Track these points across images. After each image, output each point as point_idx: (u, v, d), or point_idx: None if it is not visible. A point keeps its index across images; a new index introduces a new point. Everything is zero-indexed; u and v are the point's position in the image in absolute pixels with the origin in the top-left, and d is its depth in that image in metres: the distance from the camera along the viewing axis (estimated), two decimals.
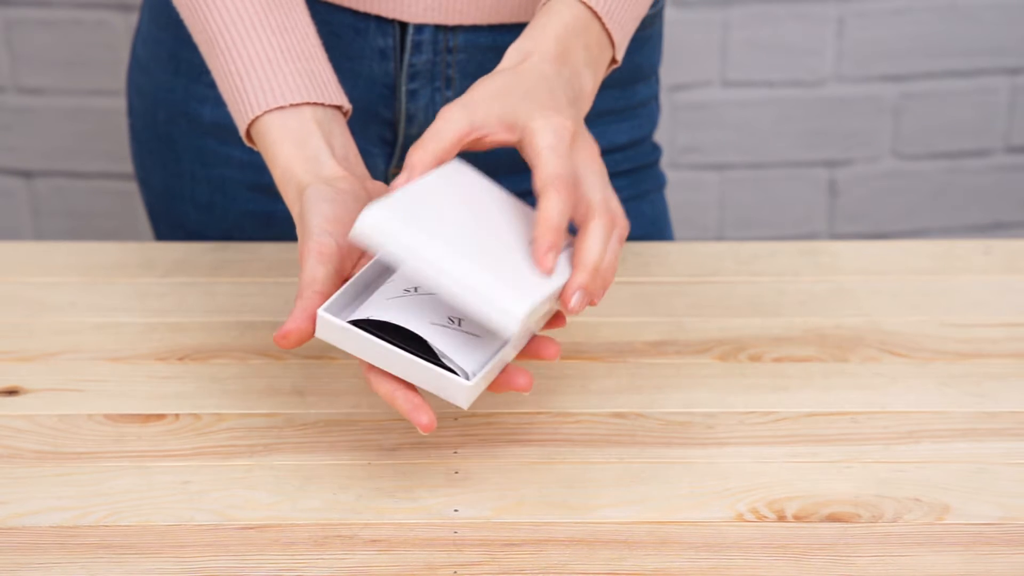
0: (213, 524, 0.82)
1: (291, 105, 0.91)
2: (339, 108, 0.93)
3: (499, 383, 0.83)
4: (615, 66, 0.95)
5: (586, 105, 0.90)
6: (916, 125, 2.04)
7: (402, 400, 0.81)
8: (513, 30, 1.08)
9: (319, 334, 0.82)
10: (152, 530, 0.82)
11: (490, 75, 0.88)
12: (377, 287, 0.86)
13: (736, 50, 1.97)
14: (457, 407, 0.84)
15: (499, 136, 0.86)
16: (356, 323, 0.81)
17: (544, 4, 0.93)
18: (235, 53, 0.92)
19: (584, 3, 0.92)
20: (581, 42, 0.92)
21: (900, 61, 2.00)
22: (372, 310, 0.82)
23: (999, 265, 1.14)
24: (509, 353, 0.83)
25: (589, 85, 0.91)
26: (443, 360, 0.80)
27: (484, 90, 0.87)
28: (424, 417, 0.80)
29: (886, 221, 2.09)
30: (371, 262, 0.86)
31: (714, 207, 2.07)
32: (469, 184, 0.87)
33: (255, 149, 0.94)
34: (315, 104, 0.91)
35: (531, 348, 0.85)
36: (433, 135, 0.84)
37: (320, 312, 0.81)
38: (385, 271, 0.87)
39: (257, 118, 0.91)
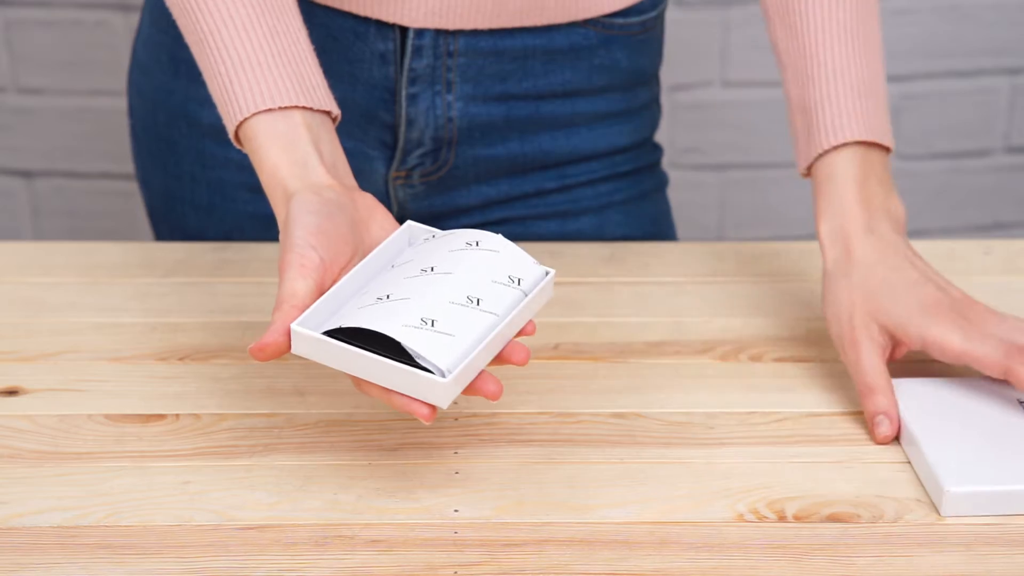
0: (213, 524, 0.82)
1: (280, 108, 0.90)
2: (328, 114, 0.92)
3: (470, 387, 0.82)
4: (890, 152, 0.99)
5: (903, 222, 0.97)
6: (916, 125, 2.04)
7: (397, 396, 0.81)
8: (513, 34, 1.08)
9: (295, 349, 0.81)
10: (152, 530, 0.82)
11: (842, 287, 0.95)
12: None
13: (736, 50, 1.97)
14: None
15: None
16: (329, 333, 0.81)
17: (822, 159, 0.97)
18: (225, 54, 0.91)
19: (860, 142, 0.96)
20: (874, 176, 0.97)
21: (900, 61, 2.00)
22: (344, 319, 0.82)
23: (999, 265, 1.14)
24: (484, 356, 0.82)
25: (896, 204, 0.98)
26: (419, 360, 0.80)
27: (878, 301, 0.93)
28: (423, 407, 0.80)
29: None
30: (347, 275, 0.85)
31: (714, 207, 2.07)
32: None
33: (243, 151, 0.93)
34: (305, 108, 0.90)
35: (501, 353, 0.84)
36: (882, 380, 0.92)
37: (293, 327, 0.81)
38: (363, 285, 0.86)
39: (246, 120, 0.90)
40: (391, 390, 0.81)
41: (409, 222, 0.90)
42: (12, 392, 0.95)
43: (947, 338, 0.90)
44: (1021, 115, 2.05)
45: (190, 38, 0.94)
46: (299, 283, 0.83)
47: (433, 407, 0.80)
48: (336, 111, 0.92)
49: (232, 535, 0.82)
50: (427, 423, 0.81)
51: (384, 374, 0.80)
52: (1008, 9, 1.99)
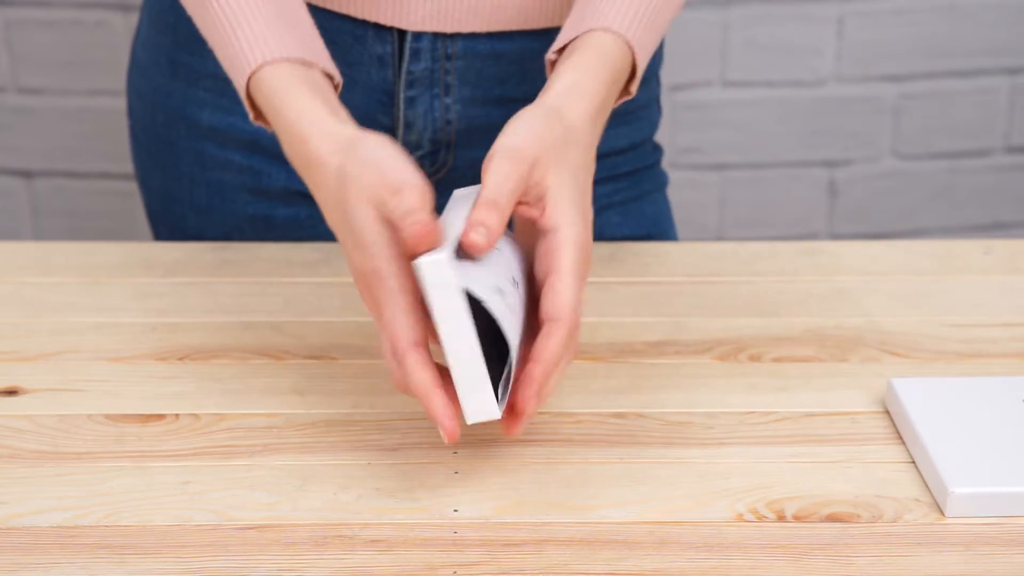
0: (213, 524, 0.82)
1: (298, 60, 0.89)
2: (331, 79, 0.92)
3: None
4: (628, 97, 0.95)
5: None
6: (916, 125, 2.04)
7: (438, 399, 0.79)
8: (512, 37, 1.08)
9: (427, 280, 0.77)
10: (152, 530, 0.82)
11: (546, 121, 0.85)
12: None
13: (736, 50, 1.97)
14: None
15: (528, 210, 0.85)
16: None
17: (589, 33, 0.91)
18: (228, 11, 0.91)
19: (627, 42, 0.91)
20: (617, 88, 0.92)
21: (900, 61, 2.00)
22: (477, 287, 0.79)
23: (999, 265, 1.14)
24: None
25: (603, 127, 0.91)
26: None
27: (533, 145, 0.84)
28: (452, 424, 0.79)
29: (886, 221, 2.09)
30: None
31: (714, 207, 2.07)
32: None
33: (253, 114, 0.91)
34: (315, 67, 0.90)
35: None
36: (504, 198, 0.82)
37: (438, 259, 0.77)
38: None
39: (264, 65, 0.88)
40: (434, 390, 0.79)
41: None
42: (12, 392, 0.95)
43: (567, 247, 0.83)
44: (1021, 115, 2.05)
45: (195, 9, 0.94)
46: (420, 194, 0.80)
47: (458, 429, 0.80)
48: (339, 78, 0.92)
49: (232, 535, 0.82)
50: (447, 441, 0.80)
51: (465, 357, 0.78)
52: (1008, 9, 1.99)
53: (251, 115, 0.92)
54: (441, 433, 0.80)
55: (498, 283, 0.81)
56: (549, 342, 0.81)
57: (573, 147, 0.86)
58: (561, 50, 0.93)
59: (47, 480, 0.86)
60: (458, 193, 0.90)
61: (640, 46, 0.93)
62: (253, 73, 0.89)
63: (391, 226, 0.82)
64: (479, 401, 0.79)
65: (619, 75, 0.92)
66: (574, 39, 0.92)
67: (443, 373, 0.81)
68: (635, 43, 0.92)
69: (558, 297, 0.82)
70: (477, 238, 0.80)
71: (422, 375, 0.80)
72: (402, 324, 0.81)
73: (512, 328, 0.80)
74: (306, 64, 0.90)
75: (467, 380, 0.79)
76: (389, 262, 0.81)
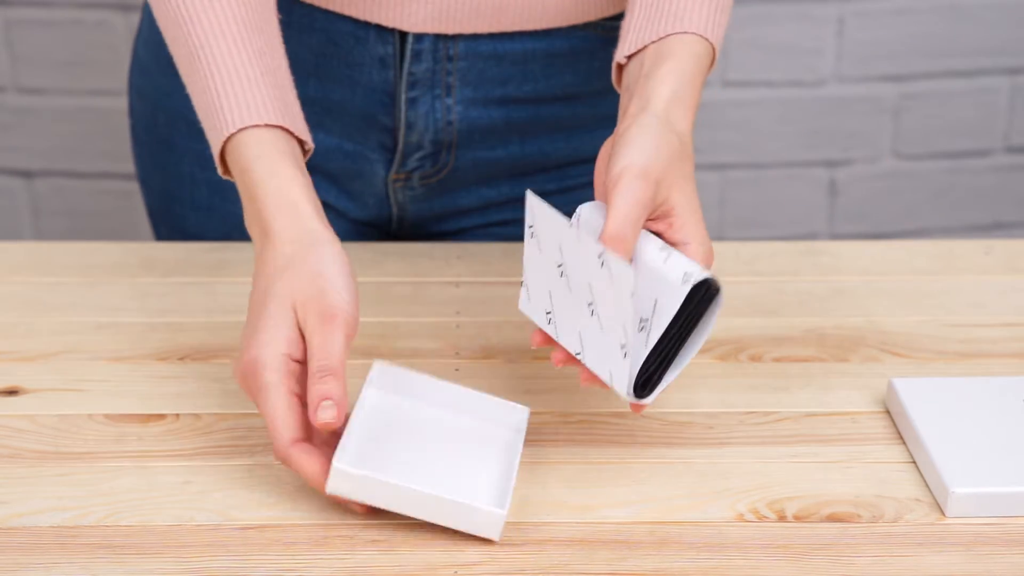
0: (213, 524, 0.82)
1: (274, 126, 0.89)
2: (303, 145, 0.92)
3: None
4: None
5: None
6: (916, 125, 2.04)
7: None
8: (513, 38, 1.08)
9: (331, 489, 0.81)
10: (152, 530, 0.82)
11: (663, 135, 0.86)
12: (383, 436, 0.87)
13: (736, 50, 1.97)
14: None
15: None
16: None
17: (683, 37, 0.91)
18: (215, 68, 0.90)
19: (712, 45, 0.92)
20: (702, 81, 0.92)
21: (900, 61, 2.00)
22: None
23: (999, 265, 1.14)
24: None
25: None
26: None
27: (658, 162, 0.85)
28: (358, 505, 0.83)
29: (886, 221, 2.09)
30: (356, 414, 0.86)
31: (714, 207, 2.07)
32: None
33: (222, 169, 0.91)
34: (291, 134, 0.90)
35: None
36: (623, 220, 0.83)
37: (337, 465, 0.80)
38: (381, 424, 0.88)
39: (243, 130, 0.88)
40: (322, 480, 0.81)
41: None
42: (12, 392, 0.95)
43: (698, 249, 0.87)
44: (1021, 115, 2.05)
45: (179, 51, 0.93)
46: (343, 346, 0.83)
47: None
48: (310, 144, 0.92)
49: (232, 535, 0.82)
50: (360, 511, 0.83)
51: (435, 509, 0.80)
52: (1008, 9, 1.99)
53: (220, 170, 0.91)
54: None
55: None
56: None
57: (688, 160, 0.88)
58: (631, 55, 0.93)
59: (47, 480, 0.86)
60: (585, 210, 0.89)
61: (718, 43, 0.94)
62: (231, 136, 0.89)
63: (297, 334, 0.83)
64: (485, 520, 0.81)
65: (706, 73, 0.93)
66: (657, 41, 0.92)
67: (329, 443, 0.83)
68: (717, 43, 0.93)
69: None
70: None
71: (311, 469, 0.81)
72: (282, 422, 0.82)
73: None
74: (283, 131, 0.89)
75: (459, 517, 0.81)
76: (275, 357, 0.83)
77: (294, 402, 0.83)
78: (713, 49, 0.93)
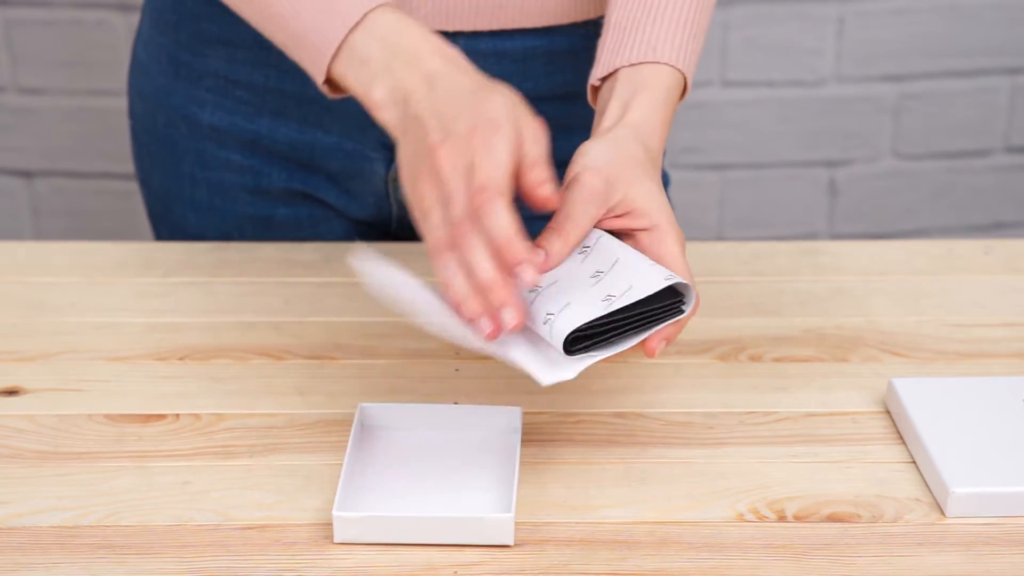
0: (213, 524, 0.82)
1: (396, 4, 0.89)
2: None
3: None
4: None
5: None
6: (916, 125, 2.04)
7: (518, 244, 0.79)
8: (513, 36, 1.08)
9: (338, 539, 0.81)
10: (152, 530, 0.82)
11: (616, 150, 0.88)
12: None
13: (736, 50, 1.97)
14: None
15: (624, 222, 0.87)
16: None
17: (648, 69, 0.93)
18: None
19: (683, 74, 0.94)
20: (672, 113, 0.94)
21: (900, 61, 2.00)
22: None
23: (999, 265, 1.14)
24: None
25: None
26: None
27: (618, 168, 0.86)
28: (540, 256, 0.81)
29: (886, 221, 2.09)
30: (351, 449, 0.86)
31: (714, 207, 2.07)
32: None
33: (327, 90, 0.90)
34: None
35: None
36: (573, 222, 0.84)
37: (337, 514, 0.81)
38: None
39: (374, 10, 0.87)
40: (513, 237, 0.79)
41: None
42: (12, 392, 0.95)
43: (673, 240, 0.87)
44: (1021, 115, 2.05)
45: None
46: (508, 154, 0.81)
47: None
48: None
49: (232, 535, 0.82)
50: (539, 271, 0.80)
51: (445, 530, 0.80)
52: (1008, 9, 1.99)
53: (325, 90, 0.90)
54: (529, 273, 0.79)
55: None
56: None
57: (653, 169, 0.89)
58: (606, 76, 0.95)
59: (47, 480, 0.86)
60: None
61: (690, 73, 0.95)
62: (361, 19, 0.87)
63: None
64: (493, 528, 0.81)
65: (676, 104, 0.95)
66: (629, 67, 0.93)
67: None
68: (688, 72, 0.94)
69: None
70: (527, 276, 0.80)
71: (505, 216, 0.79)
72: (503, 169, 0.80)
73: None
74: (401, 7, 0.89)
75: (468, 533, 0.81)
76: (510, 115, 0.81)
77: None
78: (684, 79, 0.94)
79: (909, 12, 1.97)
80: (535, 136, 0.83)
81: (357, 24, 0.88)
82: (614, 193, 0.86)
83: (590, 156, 0.88)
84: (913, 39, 1.99)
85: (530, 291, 0.84)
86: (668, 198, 1.24)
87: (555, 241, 0.83)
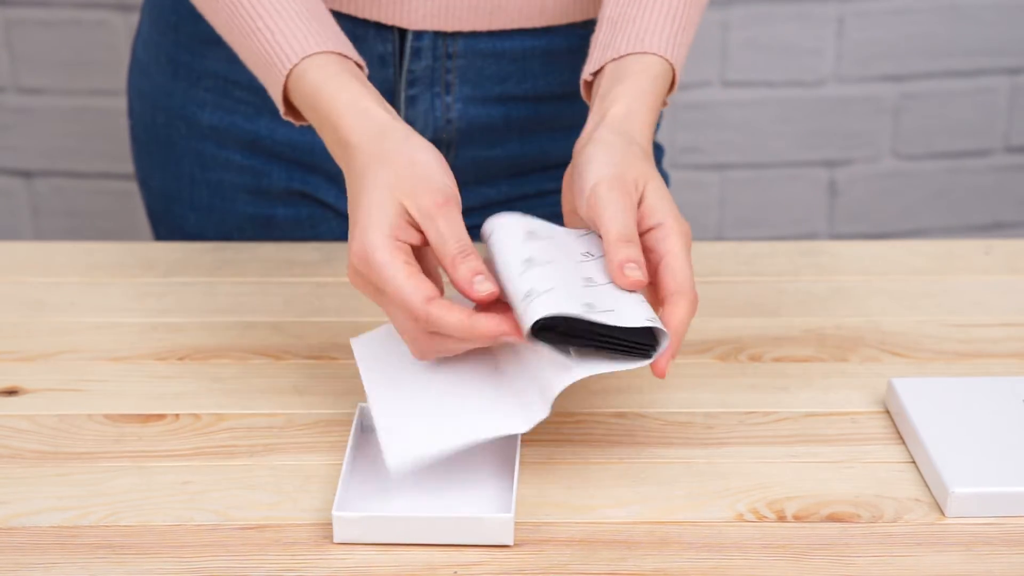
0: (213, 524, 0.82)
1: (338, 53, 0.90)
2: (361, 69, 0.93)
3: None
4: (663, 108, 0.96)
5: None
6: (916, 125, 2.04)
7: (483, 321, 0.80)
8: (512, 36, 1.08)
9: (338, 538, 0.81)
10: (152, 530, 0.82)
11: (612, 148, 0.88)
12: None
13: (736, 50, 1.97)
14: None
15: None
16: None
17: (635, 60, 0.93)
18: (260, 10, 0.92)
19: (671, 64, 0.94)
20: (662, 105, 0.94)
21: (900, 61, 2.00)
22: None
23: (999, 265, 1.14)
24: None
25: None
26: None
27: (629, 168, 0.86)
28: (512, 328, 0.81)
29: (886, 221, 2.09)
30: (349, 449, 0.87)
31: (714, 207, 2.07)
32: None
33: (284, 109, 0.92)
34: (346, 58, 0.91)
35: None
36: (627, 232, 0.84)
37: (337, 514, 0.80)
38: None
39: (304, 59, 0.89)
40: (474, 323, 0.80)
41: None
42: (12, 392, 0.95)
43: (675, 236, 0.86)
44: (1021, 115, 2.05)
45: (216, 5, 0.94)
46: (463, 225, 0.83)
47: (520, 331, 0.80)
48: (366, 70, 0.93)
49: (232, 535, 0.82)
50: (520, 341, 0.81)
51: (445, 530, 0.80)
52: (1008, 9, 1.99)
53: (282, 110, 0.92)
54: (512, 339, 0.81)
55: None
56: (678, 311, 0.83)
57: (650, 163, 0.89)
58: (596, 71, 0.95)
59: (47, 480, 0.86)
60: (499, 221, 0.90)
61: (679, 64, 0.95)
62: (295, 66, 0.90)
63: (403, 220, 0.82)
64: (492, 528, 0.81)
65: (664, 94, 0.94)
66: (616, 60, 0.93)
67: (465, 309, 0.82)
68: (676, 63, 0.94)
69: (679, 275, 0.84)
70: (634, 274, 0.82)
71: (452, 317, 0.80)
72: (410, 287, 0.81)
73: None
74: (343, 57, 0.91)
75: (468, 533, 0.81)
76: (382, 238, 0.82)
77: (414, 270, 0.81)
78: (673, 69, 0.94)
79: (909, 12, 1.97)
80: (441, 201, 0.83)
81: (293, 68, 0.90)
82: (636, 194, 0.86)
83: (599, 167, 0.87)
84: (913, 39, 1.99)
85: (523, 261, 0.83)
86: None
87: (637, 251, 0.83)
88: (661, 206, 0.86)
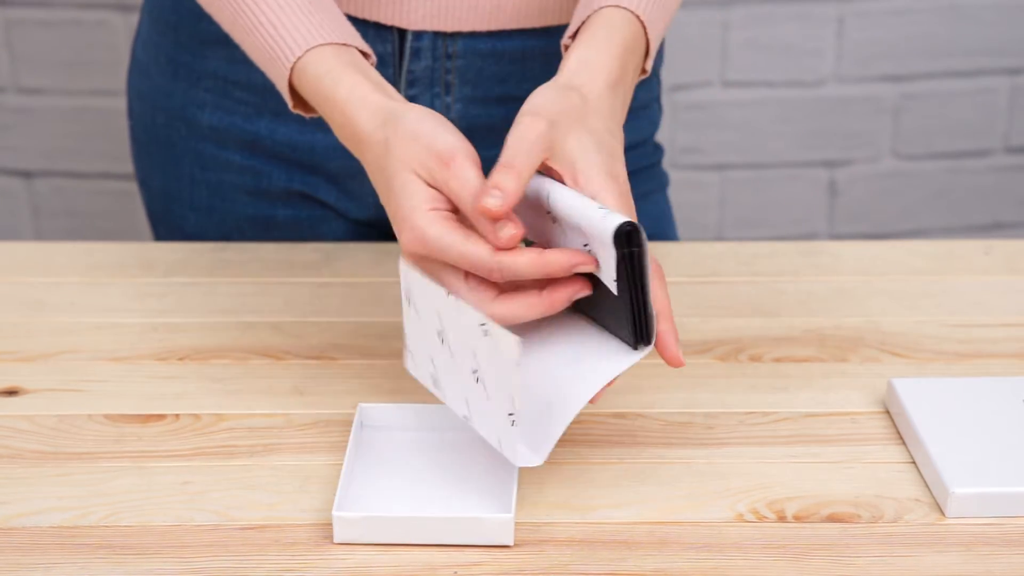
0: (213, 524, 0.82)
1: (340, 44, 0.90)
2: (368, 58, 0.92)
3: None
4: (644, 76, 0.94)
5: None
6: (916, 125, 2.04)
7: (558, 255, 0.79)
8: (512, 36, 1.08)
9: (338, 539, 0.81)
10: (152, 530, 0.82)
11: (561, 92, 0.86)
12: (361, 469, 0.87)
13: (736, 50, 1.97)
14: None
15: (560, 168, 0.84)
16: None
17: (598, 11, 0.91)
18: (263, 5, 0.91)
19: (636, 16, 0.91)
20: (634, 62, 0.91)
21: (900, 61, 2.00)
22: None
23: (999, 265, 1.14)
24: None
25: (628, 103, 0.91)
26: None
27: (549, 106, 0.84)
28: (587, 258, 0.79)
29: (886, 221, 2.09)
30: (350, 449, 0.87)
31: (714, 207, 2.07)
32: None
33: (293, 102, 0.92)
34: (353, 48, 0.91)
35: None
36: (520, 157, 0.82)
37: (335, 514, 0.80)
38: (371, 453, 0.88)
39: (307, 52, 0.89)
40: (544, 259, 0.79)
41: None
42: (12, 392, 0.95)
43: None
44: (1021, 115, 2.05)
45: (220, 2, 0.94)
46: (478, 173, 0.81)
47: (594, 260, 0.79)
48: (374, 58, 0.92)
49: (232, 535, 0.82)
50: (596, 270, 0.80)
51: (444, 530, 0.80)
52: (1008, 9, 1.99)
53: (290, 103, 0.92)
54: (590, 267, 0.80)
55: None
56: (658, 293, 0.82)
57: (593, 115, 0.86)
58: (574, 36, 0.93)
59: (47, 480, 0.86)
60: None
61: (650, 20, 0.92)
62: (298, 60, 0.90)
63: (432, 191, 0.82)
64: (493, 529, 0.81)
65: (632, 48, 0.91)
66: (585, 20, 0.92)
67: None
68: (645, 17, 0.92)
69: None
70: (492, 202, 0.79)
71: (525, 259, 0.79)
72: (475, 248, 0.80)
73: None
74: (346, 47, 0.90)
75: (469, 534, 0.81)
76: (424, 216, 0.81)
77: (468, 232, 0.80)
78: (640, 23, 0.91)
79: (909, 12, 1.97)
80: (445, 160, 0.82)
81: (297, 60, 0.90)
82: (552, 134, 0.83)
83: (525, 104, 0.85)
84: (913, 39, 1.99)
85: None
86: (667, 197, 1.25)
87: (509, 178, 0.80)
88: (592, 177, 0.83)
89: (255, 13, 0.92)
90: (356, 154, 0.88)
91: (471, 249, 0.80)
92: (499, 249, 0.79)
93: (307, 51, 0.90)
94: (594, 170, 0.83)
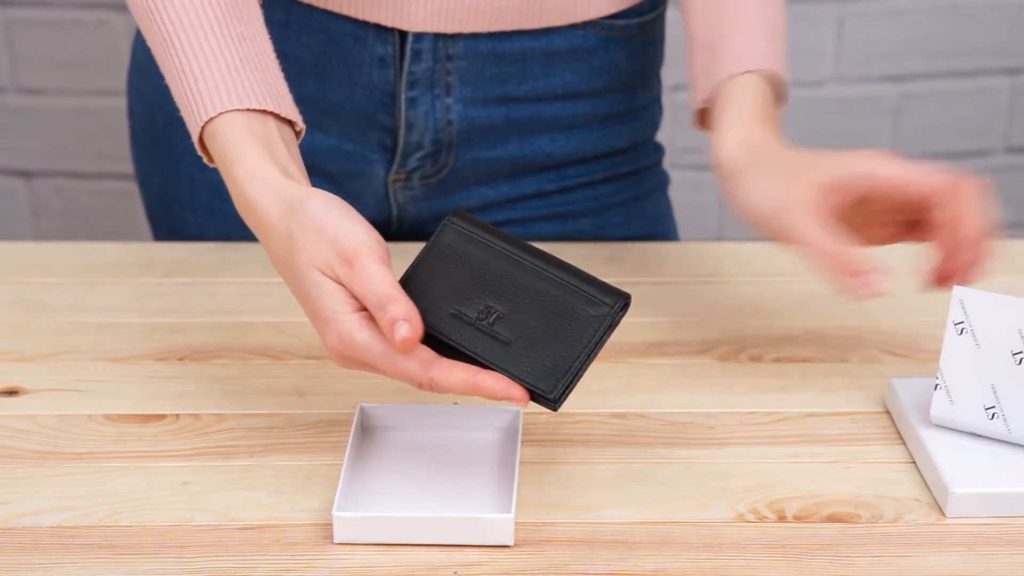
0: (213, 524, 0.82)
1: (254, 110, 0.87)
2: (293, 126, 0.89)
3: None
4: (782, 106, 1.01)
5: None
6: (916, 125, 2.04)
7: (487, 380, 0.78)
8: (512, 37, 1.08)
9: (338, 539, 0.81)
10: (152, 530, 0.82)
11: (765, 169, 0.94)
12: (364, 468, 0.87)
13: None
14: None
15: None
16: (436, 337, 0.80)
17: (733, 80, 0.98)
18: (192, 55, 0.88)
19: (774, 72, 1.00)
20: (770, 108, 0.99)
21: (900, 61, 2.00)
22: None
23: (999, 265, 1.13)
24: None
25: (778, 122, 1.00)
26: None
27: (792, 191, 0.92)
28: (518, 391, 0.79)
29: None
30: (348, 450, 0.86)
31: (714, 207, 2.07)
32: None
33: (206, 158, 0.89)
34: (276, 116, 0.87)
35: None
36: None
37: (336, 514, 0.80)
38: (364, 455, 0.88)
39: (220, 115, 0.86)
40: (477, 377, 0.79)
41: None
42: (12, 392, 0.95)
43: (884, 166, 0.99)
44: (1021, 115, 2.05)
45: (153, 39, 0.90)
46: (382, 273, 0.80)
47: (525, 394, 0.79)
48: (301, 125, 0.89)
49: (232, 535, 0.82)
50: (524, 406, 0.81)
51: (445, 530, 0.80)
52: (1008, 9, 1.99)
53: (204, 159, 0.90)
54: (515, 404, 0.80)
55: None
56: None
57: (784, 150, 0.96)
58: (707, 99, 0.99)
59: (47, 480, 0.86)
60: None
61: (781, 67, 1.01)
62: (208, 122, 0.87)
63: (345, 291, 0.81)
64: (491, 528, 0.81)
65: (771, 96, 1.00)
66: (719, 84, 0.98)
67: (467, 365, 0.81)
68: (780, 68, 1.01)
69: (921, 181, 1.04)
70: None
71: (456, 378, 0.79)
72: (407, 368, 0.80)
73: None
74: (264, 114, 0.87)
75: (467, 533, 0.81)
76: (351, 322, 0.80)
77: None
78: (777, 76, 0.99)
79: (909, 12, 1.97)
80: (347, 259, 0.81)
81: (208, 122, 0.87)
82: (813, 192, 0.91)
83: (765, 192, 0.93)
84: (913, 39, 1.99)
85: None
86: (667, 197, 1.25)
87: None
88: (844, 157, 0.93)
89: (182, 60, 0.88)
90: (258, 236, 0.85)
91: (402, 361, 0.79)
92: (396, 349, 0.79)
93: (219, 114, 0.86)
94: (838, 157, 0.93)
